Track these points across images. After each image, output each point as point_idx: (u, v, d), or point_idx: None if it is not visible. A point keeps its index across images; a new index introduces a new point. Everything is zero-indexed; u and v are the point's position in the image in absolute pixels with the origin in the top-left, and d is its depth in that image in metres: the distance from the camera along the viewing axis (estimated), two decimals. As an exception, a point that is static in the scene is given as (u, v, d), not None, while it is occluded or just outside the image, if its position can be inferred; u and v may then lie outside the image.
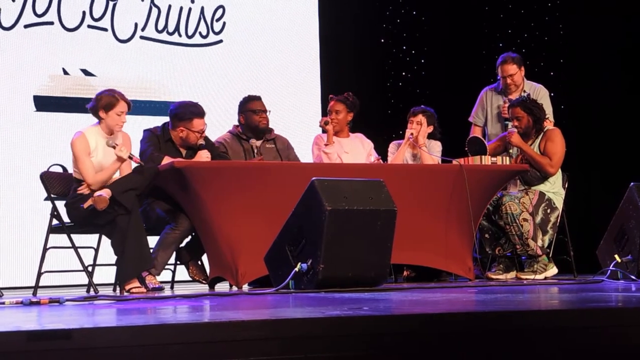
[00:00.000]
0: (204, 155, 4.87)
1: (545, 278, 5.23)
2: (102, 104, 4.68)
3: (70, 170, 4.89)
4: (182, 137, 4.97)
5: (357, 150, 5.56)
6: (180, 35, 6.90)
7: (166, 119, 5.09)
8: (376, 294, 3.65)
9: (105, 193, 4.49)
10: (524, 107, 5.37)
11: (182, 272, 5.31)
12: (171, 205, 4.88)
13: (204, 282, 5.06)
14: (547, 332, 2.36)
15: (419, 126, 5.52)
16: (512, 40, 7.49)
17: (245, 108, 5.34)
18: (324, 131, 5.57)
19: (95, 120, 4.76)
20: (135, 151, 4.95)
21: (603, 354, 2.39)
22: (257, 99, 5.36)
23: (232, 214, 4.67)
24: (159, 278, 4.84)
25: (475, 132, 5.80)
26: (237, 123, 5.40)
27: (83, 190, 4.61)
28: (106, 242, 4.78)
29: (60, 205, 4.82)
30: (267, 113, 5.33)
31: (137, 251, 4.53)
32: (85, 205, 4.54)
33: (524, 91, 5.69)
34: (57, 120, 6.36)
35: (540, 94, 5.68)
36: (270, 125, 5.38)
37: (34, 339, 1.99)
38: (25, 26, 6.45)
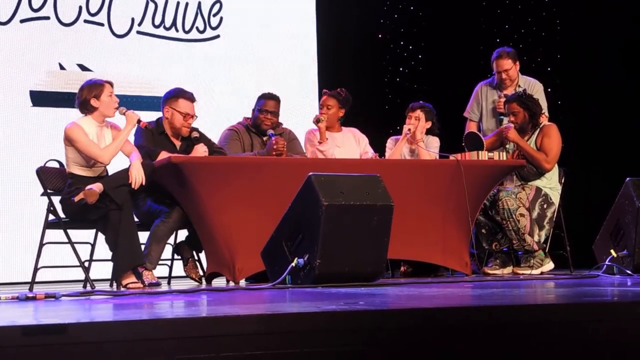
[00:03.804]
0: (201, 150, 4.86)
1: (542, 273, 5.24)
2: (90, 94, 4.71)
3: (67, 165, 4.88)
4: (169, 118, 4.98)
5: (350, 144, 5.55)
6: (177, 30, 6.90)
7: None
8: (373, 289, 3.65)
9: (96, 187, 4.49)
10: (520, 103, 5.38)
11: (179, 268, 5.31)
12: (160, 197, 4.86)
13: (196, 280, 5.03)
14: (543, 326, 2.37)
15: (416, 122, 5.52)
16: (509, 35, 7.49)
17: (256, 104, 5.32)
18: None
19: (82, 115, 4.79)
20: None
21: (599, 348, 2.39)
22: (269, 97, 5.30)
23: (229, 209, 4.67)
24: (156, 273, 4.83)
25: (471, 127, 5.80)
26: (249, 116, 5.39)
27: (80, 196, 4.59)
28: (102, 237, 4.78)
29: (57, 200, 4.82)
30: (275, 116, 5.27)
31: (129, 248, 4.53)
32: (76, 199, 4.54)
33: (519, 86, 5.69)
34: (53, 116, 6.35)
35: (535, 88, 5.69)
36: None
37: (30, 334, 1.99)
38: (22, 21, 6.44)
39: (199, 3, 6.96)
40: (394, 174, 4.82)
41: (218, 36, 7.02)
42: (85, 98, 4.72)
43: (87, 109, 4.74)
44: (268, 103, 5.29)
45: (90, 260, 5.01)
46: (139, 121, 4.76)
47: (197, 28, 6.95)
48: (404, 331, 2.27)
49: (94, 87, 4.73)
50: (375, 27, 7.59)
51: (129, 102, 6.39)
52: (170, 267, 5.37)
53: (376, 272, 4.22)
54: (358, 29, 7.49)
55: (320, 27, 7.32)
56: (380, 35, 7.62)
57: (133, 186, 4.51)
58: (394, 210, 4.20)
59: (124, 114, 4.75)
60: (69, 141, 4.70)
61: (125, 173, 4.59)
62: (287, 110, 5.54)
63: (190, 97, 5.01)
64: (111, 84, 4.79)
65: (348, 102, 5.57)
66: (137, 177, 4.52)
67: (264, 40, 7.11)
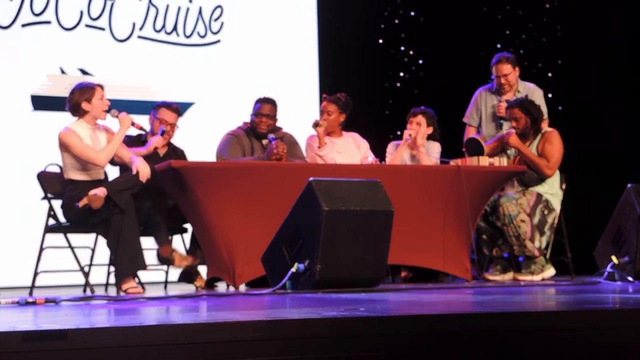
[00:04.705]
0: (153, 141, 4.94)
1: (543, 279, 5.24)
2: (81, 98, 4.71)
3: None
4: (151, 126, 5.09)
5: (351, 149, 5.54)
6: (178, 35, 6.90)
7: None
8: (373, 295, 3.64)
9: (101, 192, 4.50)
10: (522, 108, 5.38)
11: (176, 272, 5.30)
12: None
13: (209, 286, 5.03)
14: (544, 333, 2.36)
15: (417, 127, 5.52)
16: (510, 41, 7.50)
17: (253, 108, 5.35)
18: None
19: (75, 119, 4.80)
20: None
21: (600, 355, 2.39)
22: (264, 101, 5.32)
23: (230, 214, 4.67)
24: (153, 278, 4.83)
25: (470, 132, 5.80)
26: (248, 120, 5.40)
27: (83, 202, 4.59)
28: (103, 242, 4.78)
29: (57, 205, 4.82)
30: (271, 119, 5.28)
31: (130, 252, 4.53)
32: (81, 204, 4.55)
33: (519, 91, 5.69)
34: (54, 120, 6.32)
35: (535, 94, 5.68)
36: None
37: (30, 339, 1.98)
38: (23, 25, 6.45)
39: (200, 8, 6.96)
40: (395, 180, 4.82)
41: (219, 41, 7.02)
42: (76, 101, 4.72)
43: (78, 112, 4.75)
44: (264, 107, 5.30)
45: (90, 264, 5.01)
46: (132, 123, 4.77)
47: (198, 33, 6.96)
48: (405, 337, 2.26)
49: (85, 91, 4.73)
50: (376, 32, 7.59)
51: (129, 107, 6.37)
52: (167, 272, 5.36)
53: (376, 278, 4.22)
54: (359, 34, 7.49)
55: (321, 32, 7.32)
56: (381, 41, 7.62)
57: (141, 179, 4.55)
58: (395, 216, 4.20)
59: (116, 116, 4.75)
60: (64, 147, 4.71)
61: (128, 177, 4.60)
62: (287, 115, 5.54)
63: (171, 107, 5.10)
64: (102, 87, 4.79)
65: (348, 107, 5.55)
66: (145, 171, 4.57)
67: (264, 45, 7.12)
